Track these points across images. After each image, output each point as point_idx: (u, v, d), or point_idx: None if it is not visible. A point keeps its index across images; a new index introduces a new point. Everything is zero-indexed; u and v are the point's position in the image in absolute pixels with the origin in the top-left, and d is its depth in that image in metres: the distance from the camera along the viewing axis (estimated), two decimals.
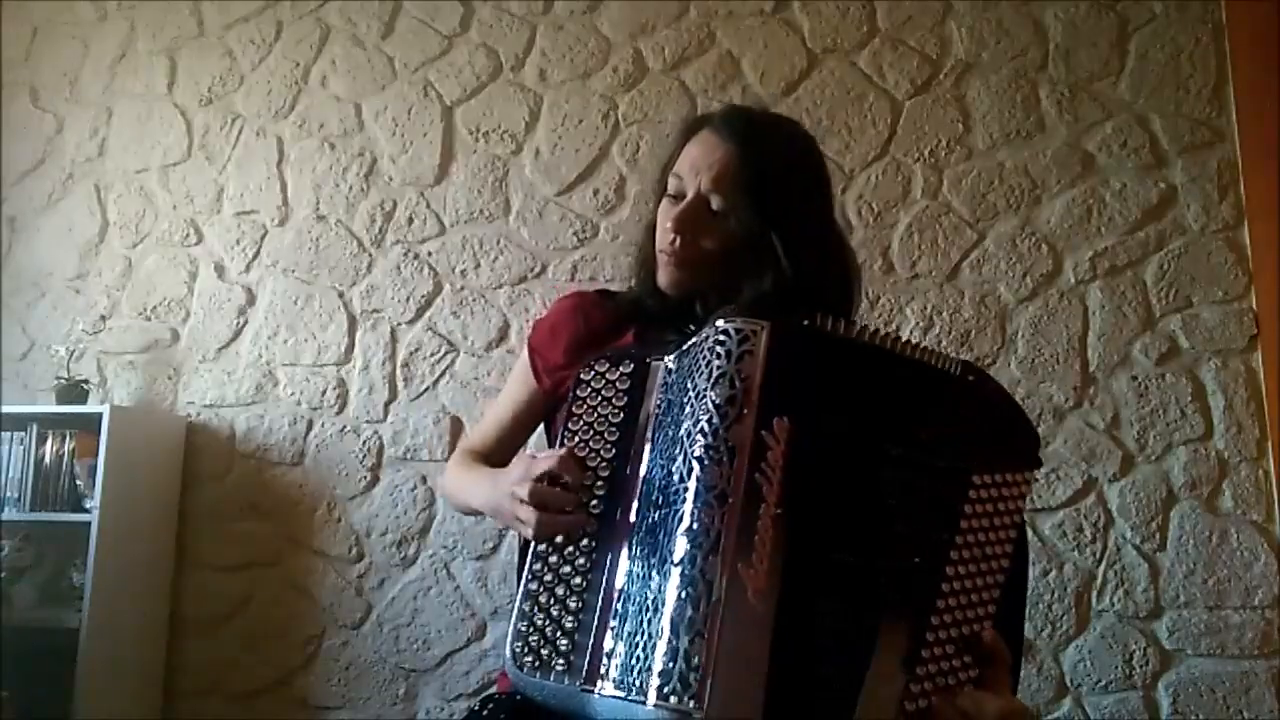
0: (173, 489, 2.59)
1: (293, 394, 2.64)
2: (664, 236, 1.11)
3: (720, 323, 0.88)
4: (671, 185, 1.12)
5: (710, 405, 0.84)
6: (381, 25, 2.80)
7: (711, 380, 0.85)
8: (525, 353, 1.26)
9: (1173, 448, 2.35)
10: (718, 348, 0.86)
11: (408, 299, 2.65)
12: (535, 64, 2.72)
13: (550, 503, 0.93)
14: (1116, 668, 2.28)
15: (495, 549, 2.50)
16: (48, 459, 2.45)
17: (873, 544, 0.86)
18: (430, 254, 2.67)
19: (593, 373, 0.98)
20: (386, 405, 2.60)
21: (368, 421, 2.60)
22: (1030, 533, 2.33)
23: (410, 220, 2.69)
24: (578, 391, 0.98)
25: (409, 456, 2.57)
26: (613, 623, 0.84)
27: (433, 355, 2.61)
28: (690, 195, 1.09)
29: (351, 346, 2.65)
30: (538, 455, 0.98)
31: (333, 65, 2.80)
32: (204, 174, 2.80)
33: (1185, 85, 2.49)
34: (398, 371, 2.62)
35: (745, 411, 0.83)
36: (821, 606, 0.82)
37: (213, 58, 2.86)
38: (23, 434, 2.46)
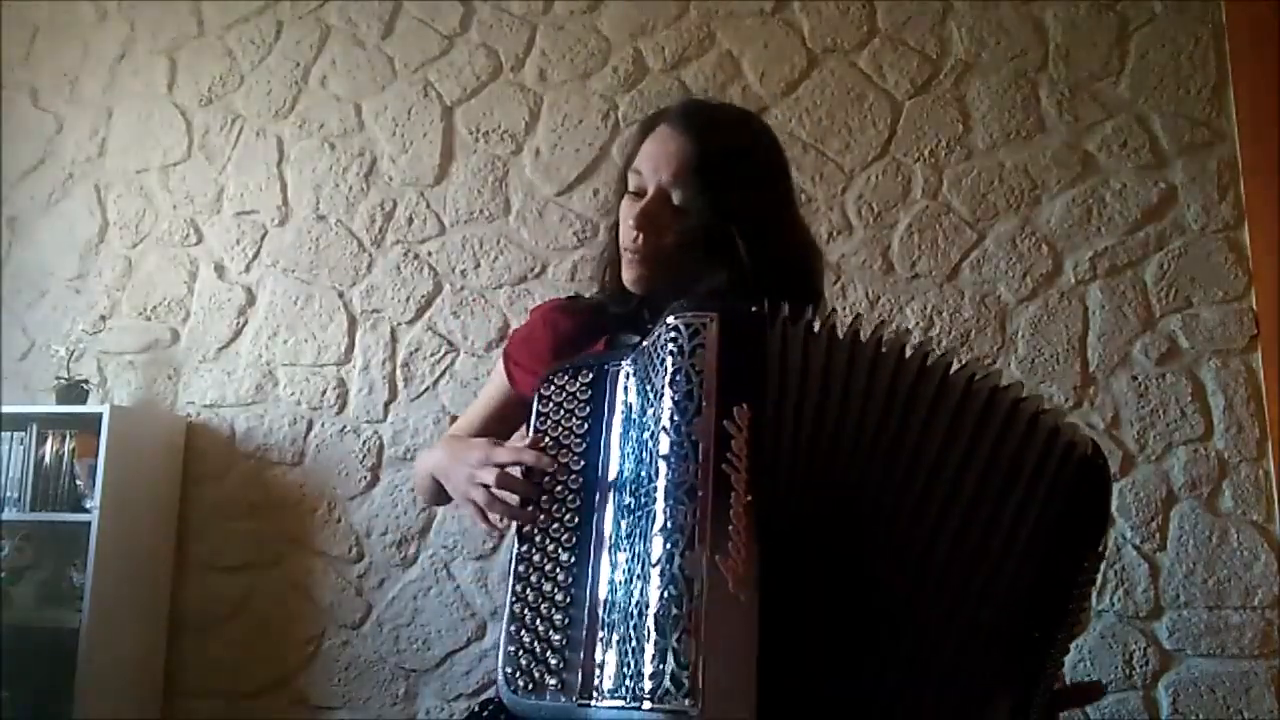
0: (173, 489, 2.59)
1: (293, 394, 2.64)
2: (627, 234, 1.11)
3: (671, 319, 0.88)
4: (632, 182, 1.12)
5: (671, 402, 0.84)
6: (381, 25, 2.80)
7: (668, 377, 0.85)
8: (500, 362, 1.26)
9: (1173, 448, 2.35)
10: (670, 345, 0.86)
11: (408, 299, 2.65)
12: (535, 64, 2.72)
13: (511, 489, 0.93)
14: (1116, 668, 2.28)
15: (495, 549, 2.50)
16: (48, 459, 2.45)
17: (911, 545, 0.84)
18: (430, 254, 2.67)
19: (552, 386, 0.97)
20: (386, 405, 2.60)
21: (368, 421, 2.60)
22: None
23: (410, 220, 2.69)
24: (539, 406, 0.97)
25: (409, 456, 2.56)
26: (601, 633, 0.83)
27: (433, 355, 2.61)
28: (651, 191, 1.09)
29: (351, 346, 2.65)
30: (503, 444, 0.98)
31: (333, 65, 2.80)
32: (204, 174, 2.80)
33: (1185, 85, 2.49)
34: (398, 371, 2.62)
35: (704, 404, 0.83)
36: (824, 595, 0.82)
37: (213, 58, 2.85)
38: (23, 434, 2.46)
